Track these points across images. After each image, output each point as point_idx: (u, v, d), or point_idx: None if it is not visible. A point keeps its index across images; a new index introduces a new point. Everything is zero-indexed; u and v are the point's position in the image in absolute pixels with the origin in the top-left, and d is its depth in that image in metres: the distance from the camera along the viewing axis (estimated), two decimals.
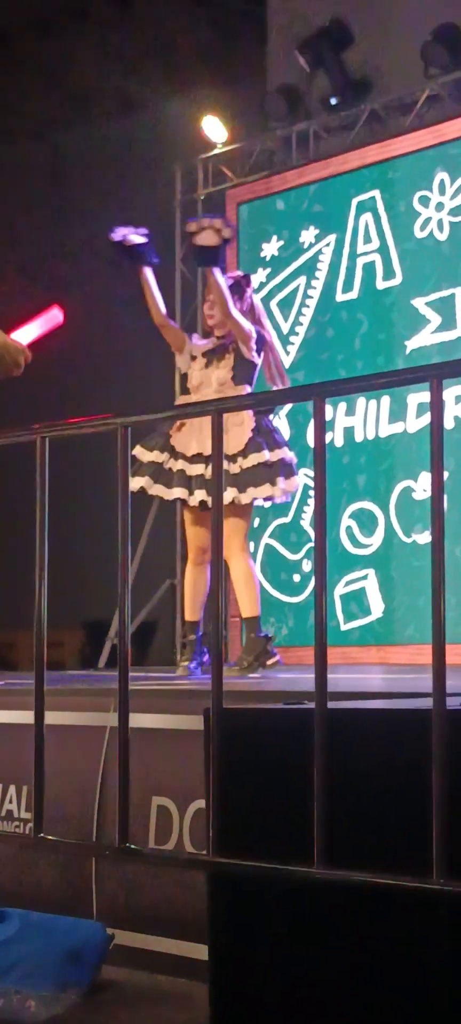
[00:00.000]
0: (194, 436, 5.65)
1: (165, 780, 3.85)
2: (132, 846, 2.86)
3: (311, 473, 2.62)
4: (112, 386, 10.01)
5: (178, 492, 5.66)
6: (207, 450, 5.53)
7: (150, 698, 4.20)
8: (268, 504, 6.02)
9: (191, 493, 5.67)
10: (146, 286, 5.82)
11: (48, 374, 11.06)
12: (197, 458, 5.65)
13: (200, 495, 5.63)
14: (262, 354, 5.84)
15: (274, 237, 9.60)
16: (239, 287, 5.91)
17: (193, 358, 5.91)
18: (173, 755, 3.86)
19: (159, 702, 4.09)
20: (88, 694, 4.53)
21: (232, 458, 5.57)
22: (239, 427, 5.60)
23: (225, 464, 5.47)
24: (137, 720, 3.62)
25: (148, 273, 5.80)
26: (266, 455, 5.59)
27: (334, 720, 2.53)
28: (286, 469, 5.67)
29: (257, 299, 6.10)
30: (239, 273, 6.17)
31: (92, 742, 4.13)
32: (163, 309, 5.88)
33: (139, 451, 5.68)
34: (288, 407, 9.27)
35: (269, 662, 5.67)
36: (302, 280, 9.39)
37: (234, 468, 5.56)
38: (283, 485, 5.67)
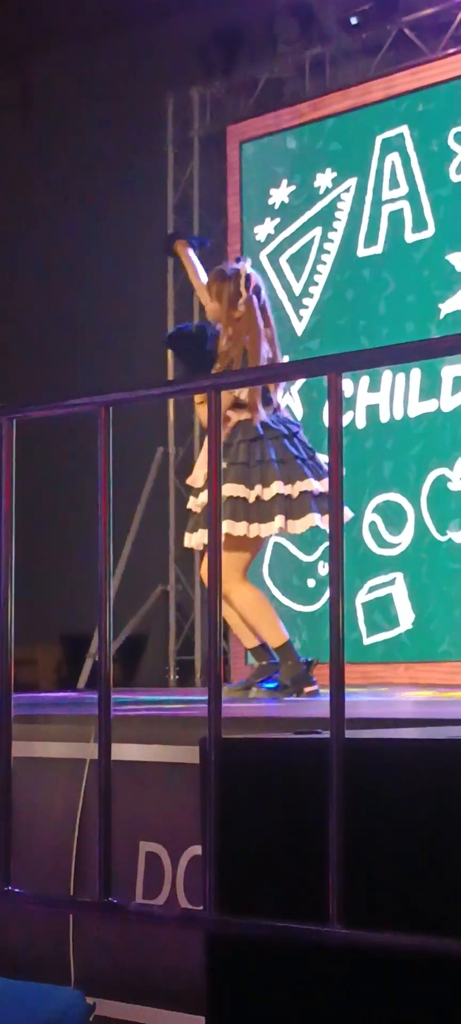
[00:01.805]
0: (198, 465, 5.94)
1: (155, 822, 3.85)
2: (115, 901, 2.86)
3: (326, 459, 2.61)
4: (94, 365, 10.01)
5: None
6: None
7: (137, 726, 4.20)
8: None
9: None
10: None
11: (20, 351, 11.05)
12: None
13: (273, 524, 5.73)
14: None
15: (284, 181, 9.60)
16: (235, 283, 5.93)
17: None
18: (164, 793, 3.86)
19: (148, 730, 4.09)
20: (64, 721, 4.53)
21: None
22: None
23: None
24: (122, 752, 3.62)
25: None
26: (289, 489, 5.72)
27: (354, 752, 2.52)
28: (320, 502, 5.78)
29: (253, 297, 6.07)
30: (238, 266, 6.08)
31: (69, 777, 4.13)
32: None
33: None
34: (300, 382, 9.27)
35: (307, 690, 5.70)
36: (317, 232, 9.38)
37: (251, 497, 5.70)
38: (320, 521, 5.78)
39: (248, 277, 5.92)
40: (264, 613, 5.83)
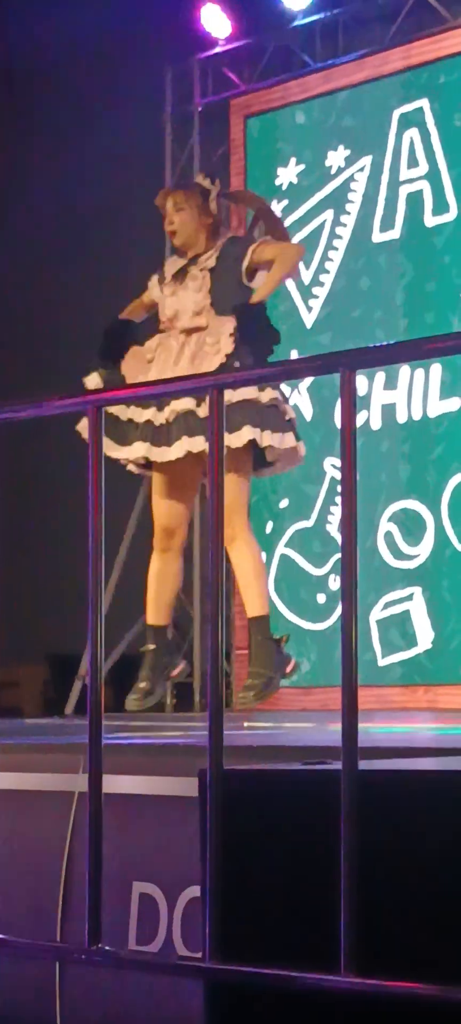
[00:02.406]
0: (169, 366, 5.56)
1: (150, 861, 3.85)
2: (106, 947, 2.86)
3: (339, 463, 2.62)
4: (85, 360, 10.01)
5: (140, 449, 5.52)
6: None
7: (131, 755, 4.20)
8: (268, 473, 5.92)
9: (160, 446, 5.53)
10: None
11: (5, 343, 11.06)
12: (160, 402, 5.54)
13: (179, 447, 5.48)
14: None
15: (292, 159, 9.62)
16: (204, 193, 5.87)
17: (161, 281, 5.85)
18: (160, 829, 3.86)
19: (142, 761, 4.09)
20: (51, 750, 4.53)
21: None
22: (214, 350, 5.53)
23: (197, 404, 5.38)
24: (113, 784, 3.62)
25: None
26: (257, 393, 5.48)
27: (368, 785, 2.52)
28: (283, 423, 5.57)
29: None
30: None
31: (56, 812, 4.13)
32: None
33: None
34: (309, 379, 9.28)
35: (289, 669, 5.61)
36: (329, 215, 9.40)
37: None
38: (288, 442, 5.58)
39: (212, 176, 5.95)
40: (263, 577, 5.73)
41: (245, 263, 5.66)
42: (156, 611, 5.81)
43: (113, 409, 5.42)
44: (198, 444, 5.38)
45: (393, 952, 2.52)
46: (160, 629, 5.81)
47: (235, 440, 5.39)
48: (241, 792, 2.80)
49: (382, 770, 2.82)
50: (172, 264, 5.86)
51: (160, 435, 5.50)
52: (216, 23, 10.18)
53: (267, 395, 5.49)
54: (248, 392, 5.39)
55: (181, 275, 5.75)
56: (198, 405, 5.40)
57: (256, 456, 5.61)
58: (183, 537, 5.81)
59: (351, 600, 2.59)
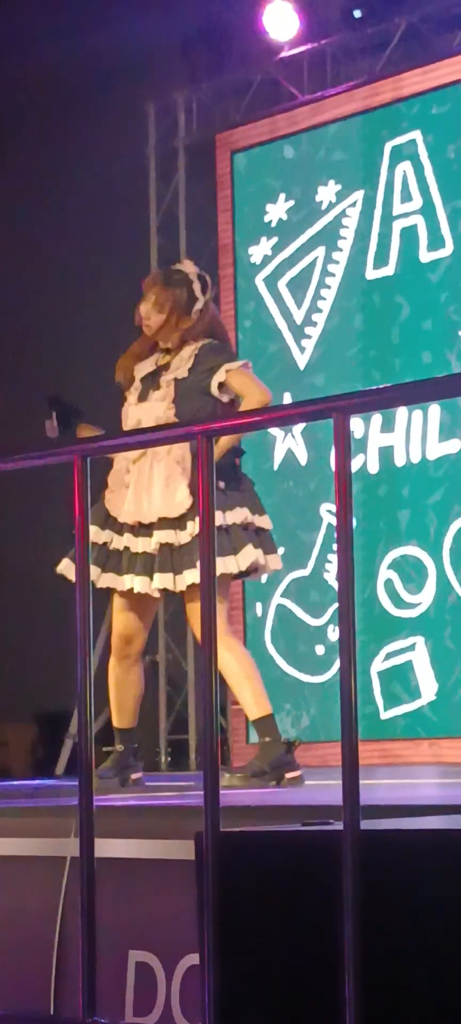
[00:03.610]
0: (133, 499, 5.72)
1: (146, 928, 3.85)
2: (102, 1020, 2.86)
3: (334, 509, 2.63)
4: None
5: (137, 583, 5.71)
6: (149, 517, 5.65)
7: (125, 817, 4.20)
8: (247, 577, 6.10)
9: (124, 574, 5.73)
10: None
11: None
12: (137, 529, 5.72)
13: (141, 581, 5.68)
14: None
15: (281, 196, 9.65)
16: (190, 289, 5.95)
17: (128, 382, 6.02)
18: (156, 895, 3.86)
19: (137, 823, 4.09)
20: (41, 813, 4.53)
21: (178, 522, 5.65)
22: (170, 490, 5.69)
23: (171, 535, 5.60)
24: (107, 848, 3.62)
25: None
26: (246, 515, 5.71)
27: (371, 845, 2.53)
28: (266, 542, 5.79)
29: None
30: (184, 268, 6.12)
31: (47, 878, 4.13)
32: None
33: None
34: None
35: (289, 775, 5.64)
36: (320, 252, 9.43)
37: (183, 536, 5.63)
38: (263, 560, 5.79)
39: (203, 278, 5.98)
40: (254, 677, 5.78)
41: (218, 379, 5.76)
42: (119, 716, 5.94)
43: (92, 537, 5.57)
44: (166, 581, 5.62)
45: (400, 1018, 2.52)
46: (126, 732, 5.91)
47: (242, 560, 5.67)
48: (239, 855, 2.80)
49: (385, 830, 2.82)
50: (141, 368, 5.96)
51: (118, 561, 5.73)
52: (200, 56, 10.21)
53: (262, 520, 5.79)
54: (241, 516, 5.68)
55: (149, 381, 5.87)
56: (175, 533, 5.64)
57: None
58: (141, 644, 5.98)
59: (349, 653, 2.60)
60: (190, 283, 5.93)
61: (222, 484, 5.61)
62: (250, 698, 5.70)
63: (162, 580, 5.61)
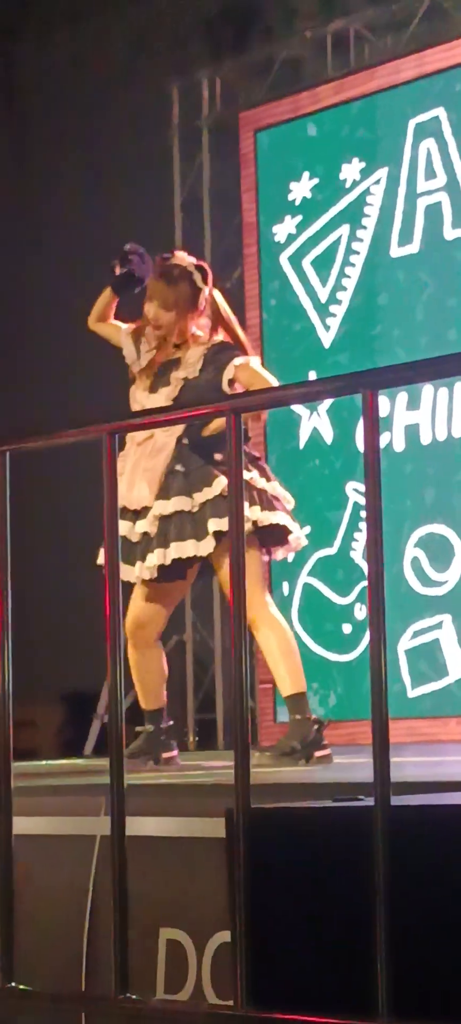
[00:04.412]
0: (135, 484, 5.72)
1: (177, 906, 3.85)
2: (134, 996, 2.86)
3: (362, 488, 2.62)
4: (94, 386, 10.04)
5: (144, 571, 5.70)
6: (144, 501, 5.66)
7: (155, 796, 4.20)
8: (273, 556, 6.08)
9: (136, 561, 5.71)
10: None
11: (14, 372, 11.07)
12: (140, 513, 5.72)
13: (152, 560, 5.64)
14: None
15: (305, 174, 9.62)
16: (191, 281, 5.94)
17: (136, 343, 6.02)
18: (187, 872, 3.86)
19: (167, 801, 4.09)
20: (71, 792, 4.53)
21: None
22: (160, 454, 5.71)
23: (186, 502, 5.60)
24: (137, 826, 3.61)
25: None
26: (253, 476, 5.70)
27: (401, 821, 2.52)
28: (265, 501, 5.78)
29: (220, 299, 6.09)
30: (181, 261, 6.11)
31: (78, 857, 4.13)
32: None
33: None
34: (327, 400, 9.28)
35: (319, 754, 5.65)
36: (344, 230, 9.40)
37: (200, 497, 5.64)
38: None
39: (202, 268, 5.97)
40: (292, 653, 5.78)
41: (228, 375, 5.77)
42: (145, 698, 5.93)
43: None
44: (187, 549, 5.58)
45: (432, 994, 2.52)
46: (154, 712, 5.90)
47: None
48: (270, 832, 2.79)
49: (415, 806, 2.81)
50: (147, 353, 5.95)
51: (137, 549, 5.69)
52: (224, 35, 10.18)
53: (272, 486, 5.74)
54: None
55: (160, 375, 5.87)
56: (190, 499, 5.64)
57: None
58: (156, 630, 5.95)
59: (379, 630, 2.59)
60: (190, 275, 5.92)
61: (219, 456, 5.63)
62: (285, 674, 5.71)
63: (178, 549, 5.59)
